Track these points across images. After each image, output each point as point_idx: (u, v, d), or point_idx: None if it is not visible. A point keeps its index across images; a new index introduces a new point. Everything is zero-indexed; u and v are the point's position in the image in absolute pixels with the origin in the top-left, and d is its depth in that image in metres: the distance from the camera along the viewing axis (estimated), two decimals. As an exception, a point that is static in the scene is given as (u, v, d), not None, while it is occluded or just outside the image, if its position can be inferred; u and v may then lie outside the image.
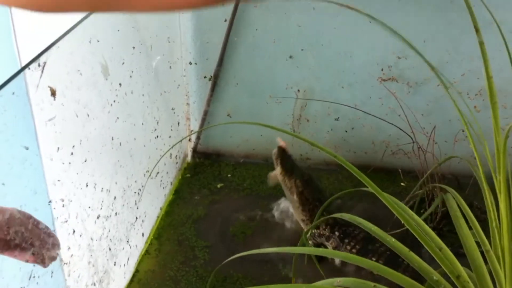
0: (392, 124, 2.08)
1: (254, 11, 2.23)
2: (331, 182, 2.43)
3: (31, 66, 1.27)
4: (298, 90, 2.36)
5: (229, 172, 2.51)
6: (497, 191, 1.08)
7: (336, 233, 1.93)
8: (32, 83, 1.29)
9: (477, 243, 1.36)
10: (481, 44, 1.20)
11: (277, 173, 2.10)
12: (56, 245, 0.95)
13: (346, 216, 1.53)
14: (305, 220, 2.01)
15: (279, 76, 2.35)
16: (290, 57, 2.30)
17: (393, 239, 1.40)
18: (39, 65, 1.30)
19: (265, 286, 1.20)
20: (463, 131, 2.16)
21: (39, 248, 0.89)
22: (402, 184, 2.24)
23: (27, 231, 0.87)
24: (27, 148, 1.27)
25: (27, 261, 0.90)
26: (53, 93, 1.38)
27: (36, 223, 0.93)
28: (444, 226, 1.98)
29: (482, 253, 1.33)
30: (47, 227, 0.97)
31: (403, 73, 2.23)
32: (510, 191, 1.06)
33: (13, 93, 1.21)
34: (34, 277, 1.32)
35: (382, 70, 2.23)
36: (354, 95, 2.29)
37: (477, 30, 1.21)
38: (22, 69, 1.24)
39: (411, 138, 2.08)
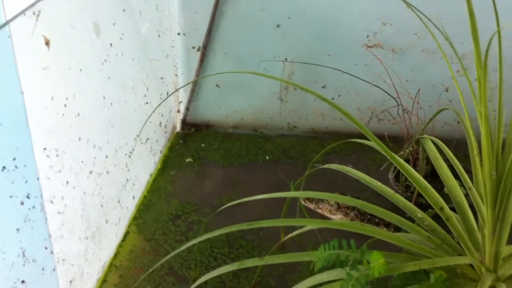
0: (378, 87, 2.13)
1: (242, -19, 2.27)
2: (320, 147, 2.48)
3: (26, 13, 1.29)
4: (286, 59, 2.41)
5: (217, 142, 2.55)
6: (478, 116, 1.13)
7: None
8: (27, 30, 1.31)
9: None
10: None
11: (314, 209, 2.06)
12: None
13: (333, 166, 1.58)
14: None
15: (266, 45, 2.39)
16: (278, 26, 2.34)
17: (379, 183, 1.45)
18: (33, 13, 1.33)
19: (258, 221, 1.24)
20: (446, 90, 2.23)
21: None
22: (389, 145, 2.29)
23: None
24: (22, 93, 1.29)
25: None
26: (47, 43, 1.41)
27: None
28: (429, 184, 2.03)
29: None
30: None
31: (388, 40, 2.28)
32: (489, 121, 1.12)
33: (9, 37, 1.23)
34: (29, 220, 1.34)
35: (367, 36, 2.28)
36: (340, 62, 2.33)
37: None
38: (19, 14, 1.26)
39: (396, 102, 2.13)
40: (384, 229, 1.86)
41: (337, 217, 1.97)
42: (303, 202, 2.02)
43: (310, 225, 1.34)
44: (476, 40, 1.22)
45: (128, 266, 1.86)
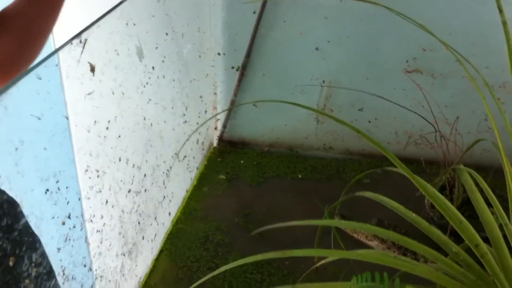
0: (416, 113, 2.12)
1: (282, 4, 2.30)
2: (353, 169, 2.48)
3: (73, 42, 1.35)
4: (324, 82, 2.42)
5: (254, 160, 2.57)
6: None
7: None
8: (74, 57, 1.37)
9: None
10: (504, 23, 1.24)
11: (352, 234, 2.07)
12: None
13: (368, 194, 1.58)
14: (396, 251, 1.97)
15: (305, 68, 2.41)
16: (316, 49, 2.36)
17: (414, 214, 1.45)
18: (80, 42, 1.39)
19: (290, 250, 1.25)
20: (486, 120, 2.20)
21: None
22: (425, 171, 2.27)
23: None
24: (67, 118, 1.35)
25: None
26: (93, 69, 1.46)
27: None
28: (465, 212, 2.00)
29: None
30: None
31: (428, 65, 2.27)
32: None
33: (56, 65, 1.29)
34: (69, 239, 1.40)
35: (407, 61, 2.28)
36: (378, 87, 2.33)
37: (500, 11, 1.26)
38: (66, 43, 1.32)
39: (434, 128, 2.11)
40: (422, 259, 1.85)
41: (374, 243, 1.95)
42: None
43: (344, 256, 1.35)
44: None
45: None
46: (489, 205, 1.49)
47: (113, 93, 1.59)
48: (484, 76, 2.28)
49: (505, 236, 1.35)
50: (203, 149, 2.52)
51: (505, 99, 2.24)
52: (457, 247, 1.34)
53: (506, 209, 1.42)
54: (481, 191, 1.53)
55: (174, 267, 1.97)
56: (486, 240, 1.38)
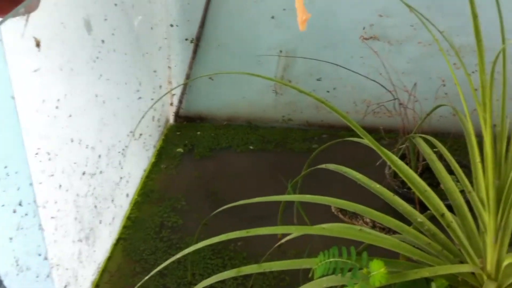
0: (374, 81, 2.10)
1: (235, -29, 2.23)
2: (314, 141, 2.46)
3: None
4: (281, 51, 2.37)
5: (211, 135, 2.51)
6: (481, 123, 1.11)
7: None
8: (17, 31, 1.27)
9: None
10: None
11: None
12: None
13: (331, 166, 1.55)
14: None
15: (261, 37, 2.36)
16: (272, 17, 2.30)
17: (378, 185, 1.43)
18: (23, 14, 1.29)
19: (247, 230, 1.22)
20: (444, 85, 2.21)
21: None
22: (384, 140, 2.27)
23: None
24: (13, 98, 1.26)
25: None
26: (38, 44, 1.37)
27: None
28: (425, 180, 2.01)
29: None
30: None
31: (384, 32, 2.25)
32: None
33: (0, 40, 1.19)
34: (22, 228, 1.32)
35: (364, 28, 2.25)
36: (336, 55, 2.30)
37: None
38: (7, 16, 1.22)
39: (393, 95, 2.10)
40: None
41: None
42: (335, 212, 1.99)
43: (309, 232, 1.33)
44: (480, 43, 1.19)
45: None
46: (450, 172, 1.49)
47: (61, 69, 1.49)
48: (440, 40, 2.29)
49: (467, 203, 1.36)
50: (159, 126, 2.44)
51: (459, 64, 2.25)
52: (422, 216, 1.34)
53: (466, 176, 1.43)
54: (440, 157, 1.53)
55: (130, 261, 1.89)
56: (448, 207, 1.38)
